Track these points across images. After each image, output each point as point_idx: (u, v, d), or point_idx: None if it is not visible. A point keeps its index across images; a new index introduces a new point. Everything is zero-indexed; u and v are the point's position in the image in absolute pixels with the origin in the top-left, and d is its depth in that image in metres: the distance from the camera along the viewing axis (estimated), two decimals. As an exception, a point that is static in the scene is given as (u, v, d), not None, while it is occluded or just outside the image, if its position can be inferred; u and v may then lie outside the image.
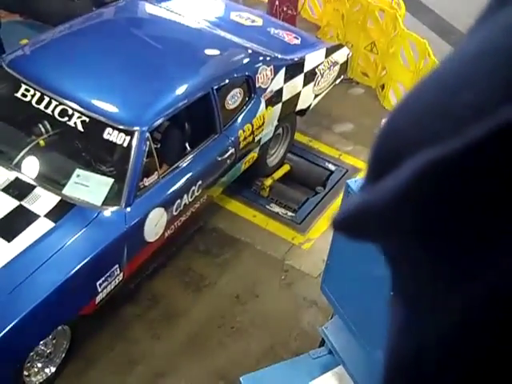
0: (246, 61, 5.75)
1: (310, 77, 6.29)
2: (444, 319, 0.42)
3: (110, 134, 4.56)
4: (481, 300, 0.40)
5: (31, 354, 4.15)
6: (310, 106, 6.52)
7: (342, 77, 6.92)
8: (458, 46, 0.47)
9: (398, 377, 0.46)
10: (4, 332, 3.73)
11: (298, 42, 6.51)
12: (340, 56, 6.69)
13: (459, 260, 0.41)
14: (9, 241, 4.14)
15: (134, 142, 4.52)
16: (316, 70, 6.34)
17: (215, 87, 5.22)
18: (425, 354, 0.43)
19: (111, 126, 4.56)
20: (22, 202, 4.39)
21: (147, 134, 4.59)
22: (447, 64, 0.45)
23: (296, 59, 6.13)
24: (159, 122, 4.82)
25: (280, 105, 5.99)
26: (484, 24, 0.46)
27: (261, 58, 5.81)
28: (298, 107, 6.35)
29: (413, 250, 0.44)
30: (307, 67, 6.22)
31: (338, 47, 6.81)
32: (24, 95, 4.83)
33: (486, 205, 0.39)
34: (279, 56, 5.98)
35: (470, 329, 0.41)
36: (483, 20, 0.46)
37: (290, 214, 6.18)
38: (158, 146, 4.96)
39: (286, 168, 6.62)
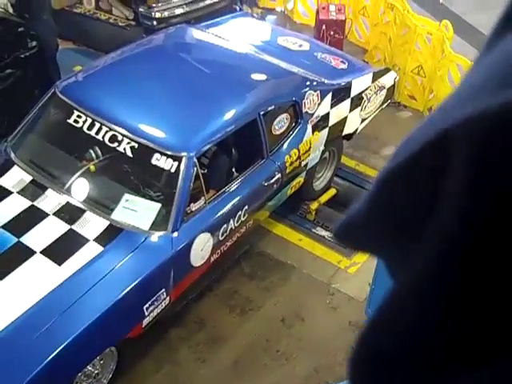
0: (292, 86, 5.81)
1: (357, 101, 6.31)
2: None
3: (158, 160, 4.64)
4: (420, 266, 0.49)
5: (79, 374, 4.24)
6: (356, 130, 6.53)
7: (389, 101, 6.92)
8: (464, 76, 0.55)
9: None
10: (55, 353, 3.80)
11: (344, 66, 6.54)
12: (387, 80, 6.69)
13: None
14: (59, 264, 4.24)
15: (182, 168, 4.59)
16: (363, 94, 6.36)
17: (262, 112, 5.27)
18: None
19: (159, 152, 4.64)
20: (73, 226, 4.50)
21: (195, 160, 4.66)
22: (453, 92, 0.52)
23: (343, 84, 6.15)
24: (207, 147, 4.89)
25: (327, 130, 6.01)
26: (485, 54, 0.54)
27: (307, 83, 5.85)
28: (345, 132, 6.36)
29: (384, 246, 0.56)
30: (354, 92, 6.24)
31: (385, 71, 6.81)
32: (76, 121, 4.94)
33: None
34: (326, 81, 6.00)
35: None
36: (485, 50, 0.55)
37: (336, 237, 6.17)
38: (205, 170, 5.03)
39: (332, 192, 6.63)
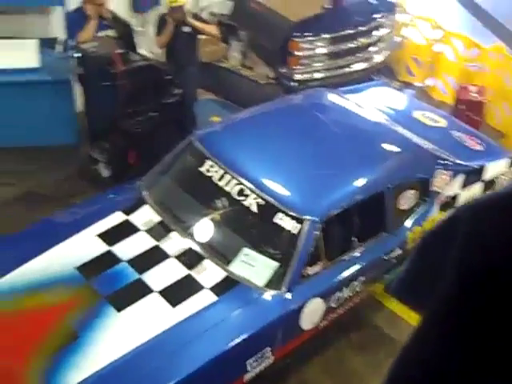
0: (424, 163, 5.73)
1: (489, 185, 6.13)
2: None
3: (282, 219, 4.68)
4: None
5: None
6: (484, 214, 6.32)
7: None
8: None
9: None
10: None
11: (481, 148, 6.39)
12: (524, 167, 6.48)
13: None
14: (174, 306, 4.33)
15: (304, 231, 4.60)
16: (496, 179, 6.19)
17: (390, 186, 5.23)
18: None
19: (283, 212, 4.69)
20: (191, 272, 4.59)
21: (318, 225, 4.66)
22: None
23: (476, 166, 6.01)
24: (331, 214, 4.85)
25: (454, 210, 5.85)
26: None
27: (440, 162, 5.76)
28: (472, 214, 6.17)
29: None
30: (487, 175, 6.09)
31: (523, 158, 6.60)
32: (208, 171, 5.10)
33: None
34: (459, 161, 5.89)
35: None
36: None
37: (450, 321, 5.95)
38: (325, 235, 5.00)
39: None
